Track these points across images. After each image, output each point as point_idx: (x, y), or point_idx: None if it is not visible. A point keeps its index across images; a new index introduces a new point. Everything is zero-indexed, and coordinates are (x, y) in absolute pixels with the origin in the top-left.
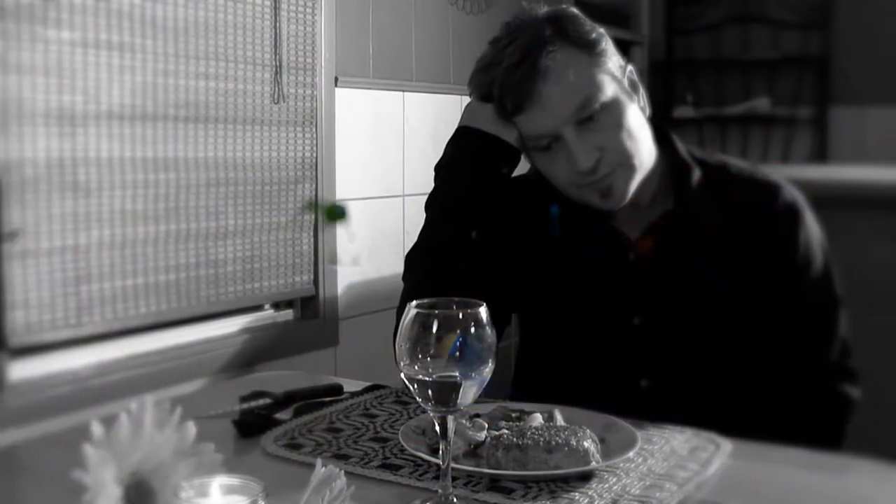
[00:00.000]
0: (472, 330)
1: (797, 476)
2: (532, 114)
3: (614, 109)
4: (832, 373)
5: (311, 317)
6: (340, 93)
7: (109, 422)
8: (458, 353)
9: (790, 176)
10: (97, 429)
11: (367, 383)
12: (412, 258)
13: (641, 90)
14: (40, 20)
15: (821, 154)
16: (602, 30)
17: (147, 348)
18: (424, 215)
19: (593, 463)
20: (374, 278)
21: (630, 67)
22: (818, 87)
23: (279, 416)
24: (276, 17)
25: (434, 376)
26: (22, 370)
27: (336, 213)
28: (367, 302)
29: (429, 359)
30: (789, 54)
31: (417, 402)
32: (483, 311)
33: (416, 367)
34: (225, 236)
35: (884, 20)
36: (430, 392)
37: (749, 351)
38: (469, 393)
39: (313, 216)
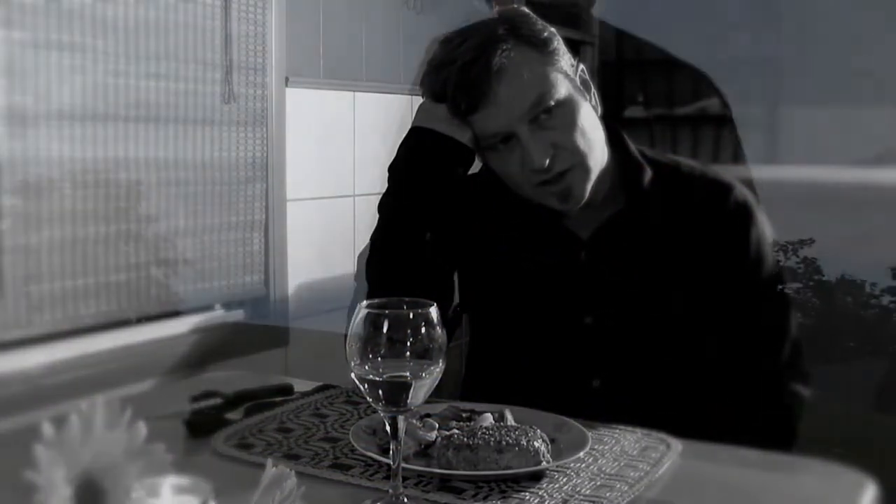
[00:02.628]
0: (423, 330)
1: (748, 476)
2: (486, 112)
3: (568, 107)
4: (784, 372)
5: (261, 317)
6: (291, 93)
7: (60, 422)
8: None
9: (741, 175)
10: (48, 429)
11: (318, 383)
12: (365, 259)
13: (593, 89)
14: None
15: (771, 154)
16: (553, 29)
17: (97, 348)
18: (376, 216)
19: (544, 463)
20: (325, 278)
21: (582, 66)
22: (769, 87)
23: (230, 416)
24: (226, 18)
25: (384, 376)
26: None
27: None
28: (317, 302)
29: (379, 359)
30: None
31: (368, 402)
32: (433, 311)
33: (367, 367)
34: (175, 236)
35: (834, 21)
36: (380, 392)
37: (701, 350)
38: (419, 393)
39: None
